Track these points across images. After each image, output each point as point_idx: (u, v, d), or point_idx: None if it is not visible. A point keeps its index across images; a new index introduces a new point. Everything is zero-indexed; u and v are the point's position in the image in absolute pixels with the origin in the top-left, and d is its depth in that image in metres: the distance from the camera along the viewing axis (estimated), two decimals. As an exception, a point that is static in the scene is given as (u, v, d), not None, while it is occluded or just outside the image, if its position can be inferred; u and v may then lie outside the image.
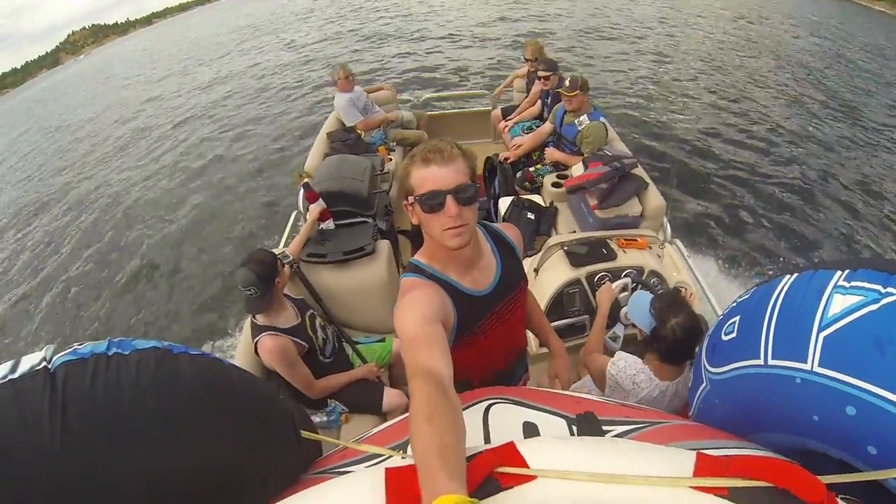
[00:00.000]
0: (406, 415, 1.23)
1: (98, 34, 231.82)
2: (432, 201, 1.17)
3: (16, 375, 0.69)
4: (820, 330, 0.81)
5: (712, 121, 9.49)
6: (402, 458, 0.87)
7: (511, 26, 17.77)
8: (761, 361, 0.92)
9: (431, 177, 1.17)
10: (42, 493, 0.67)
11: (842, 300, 0.80)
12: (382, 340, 2.66)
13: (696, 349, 1.75)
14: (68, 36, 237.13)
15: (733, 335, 1.05)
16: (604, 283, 2.34)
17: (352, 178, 3.12)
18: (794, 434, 0.83)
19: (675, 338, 1.70)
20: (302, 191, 3.04)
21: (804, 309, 0.86)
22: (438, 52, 15.43)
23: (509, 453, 0.72)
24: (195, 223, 7.65)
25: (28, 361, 0.71)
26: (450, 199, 1.16)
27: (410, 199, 1.23)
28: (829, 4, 26.18)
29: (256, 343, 2.09)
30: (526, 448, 0.73)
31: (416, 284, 1.29)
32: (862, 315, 0.76)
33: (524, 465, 0.70)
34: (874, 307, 0.75)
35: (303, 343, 2.15)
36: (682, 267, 2.57)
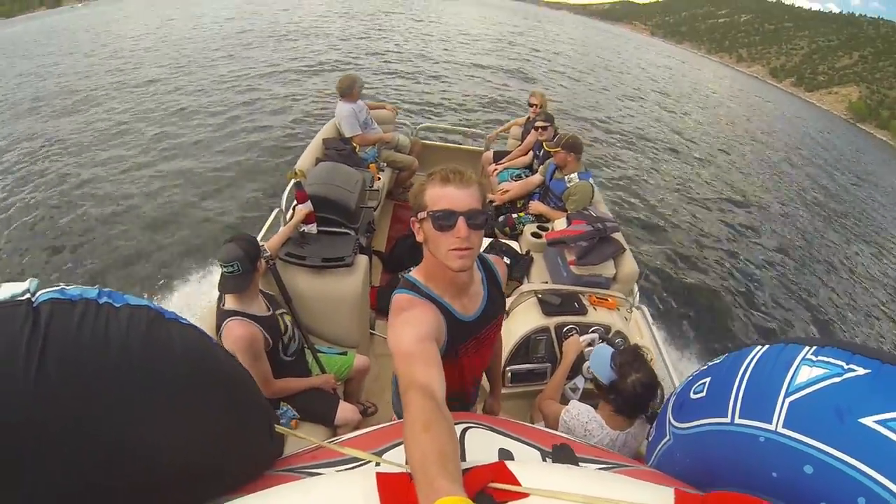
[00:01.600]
0: (383, 425, 1.25)
1: None
2: (444, 220, 1.20)
3: None
4: (787, 395, 0.89)
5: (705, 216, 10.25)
6: (378, 464, 0.87)
7: (522, 84, 18.61)
8: (728, 419, 0.99)
9: (448, 196, 1.20)
10: (2, 432, 0.59)
11: (808, 371, 0.89)
12: (344, 353, 2.63)
13: (650, 405, 1.86)
14: None
15: (702, 394, 1.12)
16: (572, 336, 2.42)
17: (343, 188, 3.13)
18: (752, 490, 0.90)
19: (633, 392, 1.79)
20: (289, 189, 3.05)
21: (773, 375, 0.94)
22: (445, 84, 16.01)
23: (501, 471, 0.74)
24: (162, 218, 7.34)
25: (9, 289, 0.65)
26: (461, 221, 1.19)
27: (421, 214, 1.25)
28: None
29: (221, 328, 2.01)
30: (516, 468, 0.76)
31: (413, 303, 1.30)
32: (826, 385, 0.85)
33: (516, 483, 0.72)
34: (837, 380, 0.84)
35: (269, 338, 2.11)
36: (646, 332, 2.69)
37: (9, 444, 0.60)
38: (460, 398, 1.62)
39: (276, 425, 1.11)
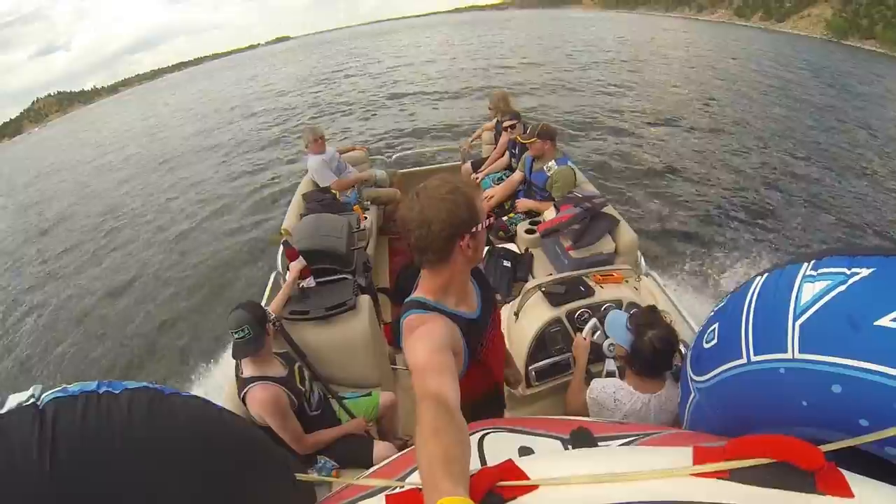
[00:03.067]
0: (409, 449, 1.22)
1: (63, 102, 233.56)
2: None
3: (2, 411, 0.68)
4: (795, 319, 0.84)
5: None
6: (402, 487, 0.87)
7: (482, 79, 19.15)
8: (744, 360, 0.94)
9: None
10: None
11: (811, 287, 0.84)
12: (369, 395, 2.60)
13: (673, 360, 1.81)
14: (33, 103, 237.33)
15: (714, 342, 1.08)
16: (576, 337, 2.36)
17: (330, 236, 3.14)
18: (787, 424, 0.85)
19: (652, 349, 1.76)
20: (281, 249, 3.06)
21: (777, 303, 0.89)
22: (407, 111, 16.23)
23: (509, 469, 0.73)
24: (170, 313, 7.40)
25: (15, 399, 0.70)
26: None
27: (481, 225, 1.30)
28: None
29: (245, 395, 2.03)
30: (524, 463, 0.75)
31: (423, 319, 1.30)
32: (832, 297, 0.80)
33: (525, 478, 0.71)
34: (842, 288, 0.79)
35: (293, 396, 2.11)
36: (660, 296, 2.62)
37: None
38: (496, 396, 1.69)
39: (298, 474, 1.14)
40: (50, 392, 0.72)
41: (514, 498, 0.68)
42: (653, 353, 1.76)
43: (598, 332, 2.30)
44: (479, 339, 1.44)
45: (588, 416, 1.92)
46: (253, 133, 17.51)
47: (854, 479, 0.60)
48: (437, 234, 1.23)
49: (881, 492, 0.60)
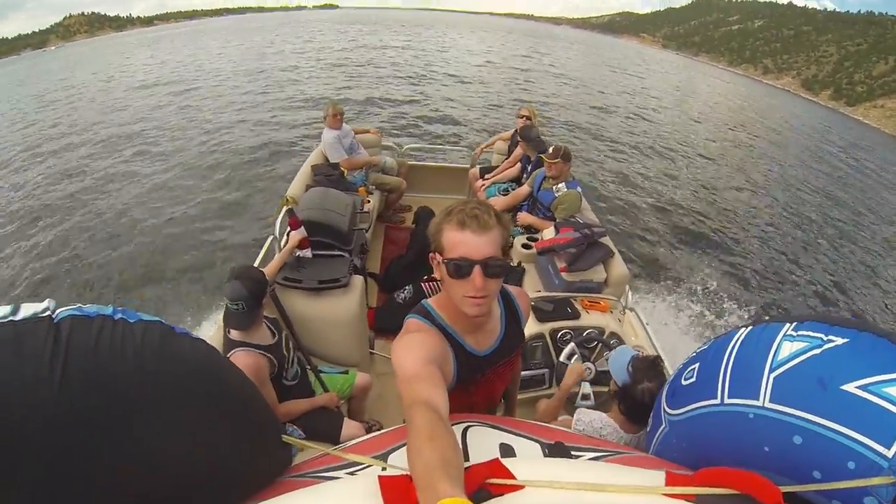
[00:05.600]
0: (386, 430, 1.27)
1: (93, 24, 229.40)
2: (460, 268, 1.14)
3: (17, 318, 0.68)
4: (771, 371, 0.92)
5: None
6: (384, 468, 0.90)
7: (509, 94, 19.15)
8: (718, 400, 1.02)
9: (465, 243, 1.13)
10: (32, 440, 0.65)
11: (790, 346, 0.93)
12: (346, 372, 2.65)
13: None
14: (64, 19, 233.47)
15: (692, 379, 1.15)
16: (573, 364, 2.38)
17: (335, 212, 3.17)
18: (747, 465, 0.92)
19: (641, 400, 1.78)
20: (282, 216, 3.10)
21: (757, 354, 0.97)
22: (429, 105, 16.31)
23: (497, 467, 0.77)
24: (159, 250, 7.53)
25: (30, 308, 0.70)
26: (477, 270, 1.13)
27: (439, 257, 1.20)
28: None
29: (229, 358, 2.04)
30: (510, 464, 0.79)
31: (422, 328, 1.29)
32: (807, 358, 0.88)
33: (511, 477, 0.75)
34: (817, 351, 0.88)
35: (275, 362, 2.14)
36: (641, 332, 2.72)
37: (35, 448, 0.65)
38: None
39: (284, 435, 1.15)
40: (66, 309, 0.72)
41: (500, 495, 0.72)
42: (641, 404, 1.77)
43: (576, 357, 2.36)
44: (476, 374, 1.37)
45: None
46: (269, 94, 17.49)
47: None
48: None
49: None
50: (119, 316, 0.77)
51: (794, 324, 0.97)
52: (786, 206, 12.02)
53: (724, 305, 6.66)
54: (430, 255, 1.24)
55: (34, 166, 11.24)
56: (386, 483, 0.73)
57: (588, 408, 2.07)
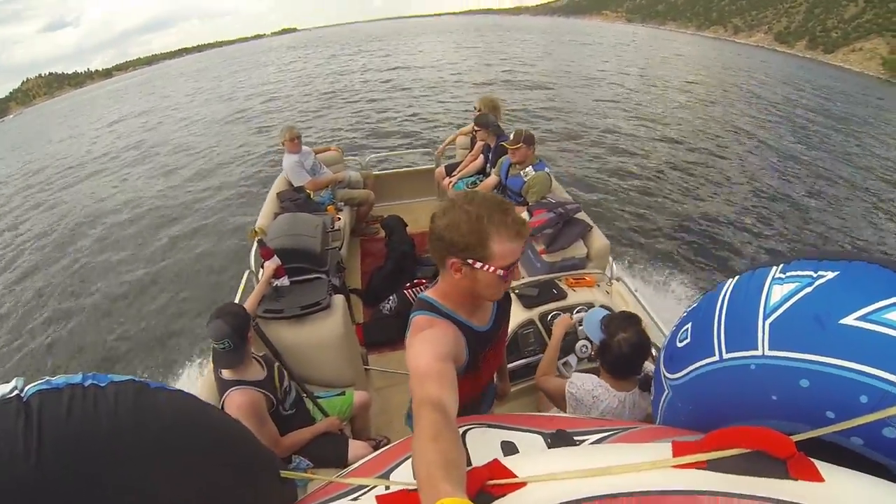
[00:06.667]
0: (389, 446, 1.23)
1: (52, 84, 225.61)
2: (509, 271, 1.22)
3: None
4: (765, 318, 0.88)
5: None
6: (387, 487, 0.87)
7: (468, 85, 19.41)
8: (716, 357, 0.98)
9: (517, 250, 1.21)
10: None
11: (780, 289, 0.89)
12: (342, 394, 2.59)
13: (642, 366, 1.86)
14: (22, 83, 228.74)
15: (687, 340, 1.12)
16: (561, 317, 2.42)
17: (305, 235, 3.12)
18: (758, 418, 0.89)
19: (619, 352, 1.81)
20: (254, 249, 3.03)
21: (748, 303, 0.94)
22: (385, 114, 16.42)
23: (497, 468, 0.76)
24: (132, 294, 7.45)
25: None
26: (516, 267, 1.24)
27: (487, 266, 1.18)
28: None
29: (224, 399, 2.01)
30: (510, 462, 0.77)
31: (431, 322, 1.30)
32: (800, 298, 0.85)
33: (512, 476, 0.73)
34: (809, 290, 0.84)
35: (272, 396, 2.09)
36: (631, 300, 2.70)
37: None
38: (480, 400, 1.69)
39: (282, 471, 1.13)
40: (34, 385, 0.71)
41: (503, 496, 0.70)
42: (620, 356, 1.82)
43: (582, 328, 2.36)
44: (483, 350, 1.44)
45: (561, 397, 1.97)
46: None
47: (823, 466, 0.64)
48: (433, 237, 1.23)
49: (848, 476, 0.64)
50: (89, 382, 0.75)
51: (782, 265, 0.93)
52: (770, 161, 12.21)
53: (713, 262, 6.71)
54: (452, 261, 1.22)
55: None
56: (383, 502, 0.73)
57: (565, 377, 2.10)
